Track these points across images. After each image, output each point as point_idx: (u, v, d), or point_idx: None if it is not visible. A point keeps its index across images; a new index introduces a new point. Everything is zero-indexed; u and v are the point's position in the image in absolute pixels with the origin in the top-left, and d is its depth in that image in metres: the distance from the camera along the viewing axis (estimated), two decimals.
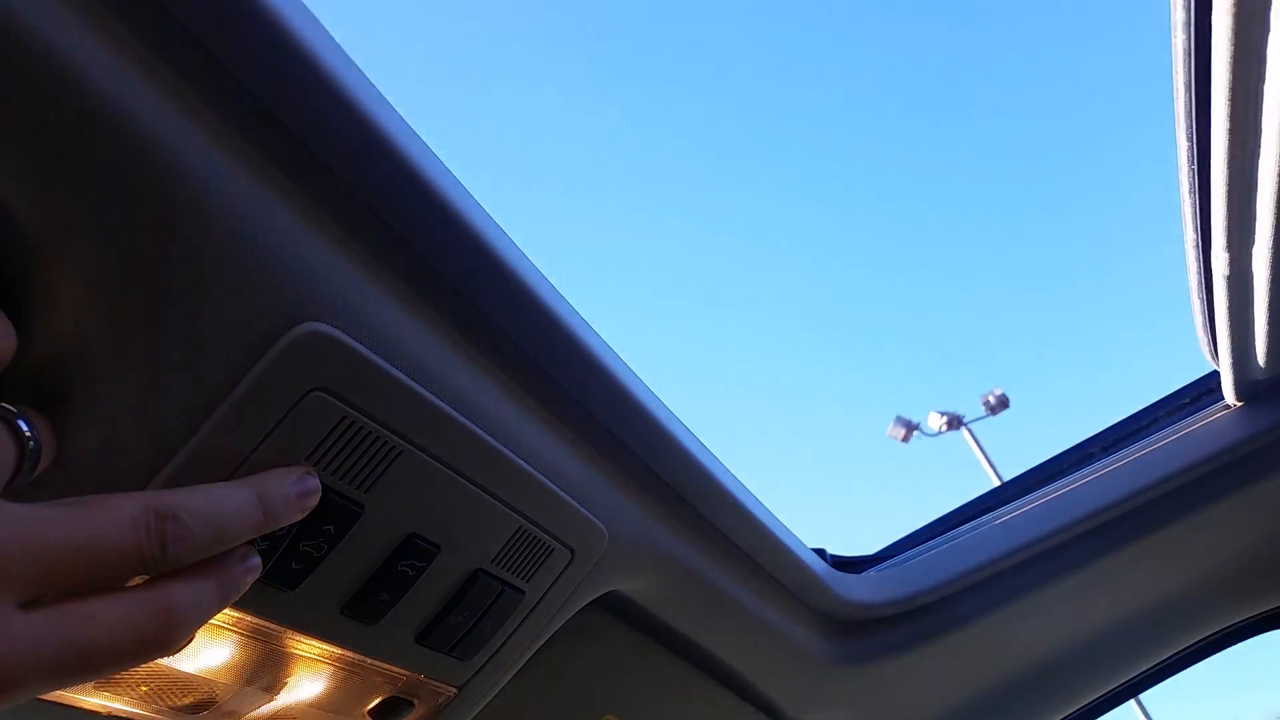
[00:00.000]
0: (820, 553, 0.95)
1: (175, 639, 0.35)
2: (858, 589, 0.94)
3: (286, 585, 0.46)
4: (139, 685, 0.47)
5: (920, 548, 1.00)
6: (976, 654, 1.04)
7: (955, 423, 13.70)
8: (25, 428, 0.34)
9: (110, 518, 0.32)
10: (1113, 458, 0.94)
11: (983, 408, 13.54)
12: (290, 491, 0.40)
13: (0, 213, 0.34)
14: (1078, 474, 0.94)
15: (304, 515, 0.41)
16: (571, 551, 0.59)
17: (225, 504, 0.36)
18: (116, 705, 0.48)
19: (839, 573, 0.93)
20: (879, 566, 1.00)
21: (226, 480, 0.40)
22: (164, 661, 0.46)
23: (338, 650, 0.52)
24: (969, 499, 1.06)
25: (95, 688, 0.46)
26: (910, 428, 14.02)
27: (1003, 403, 13.41)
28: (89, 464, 0.37)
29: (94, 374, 0.37)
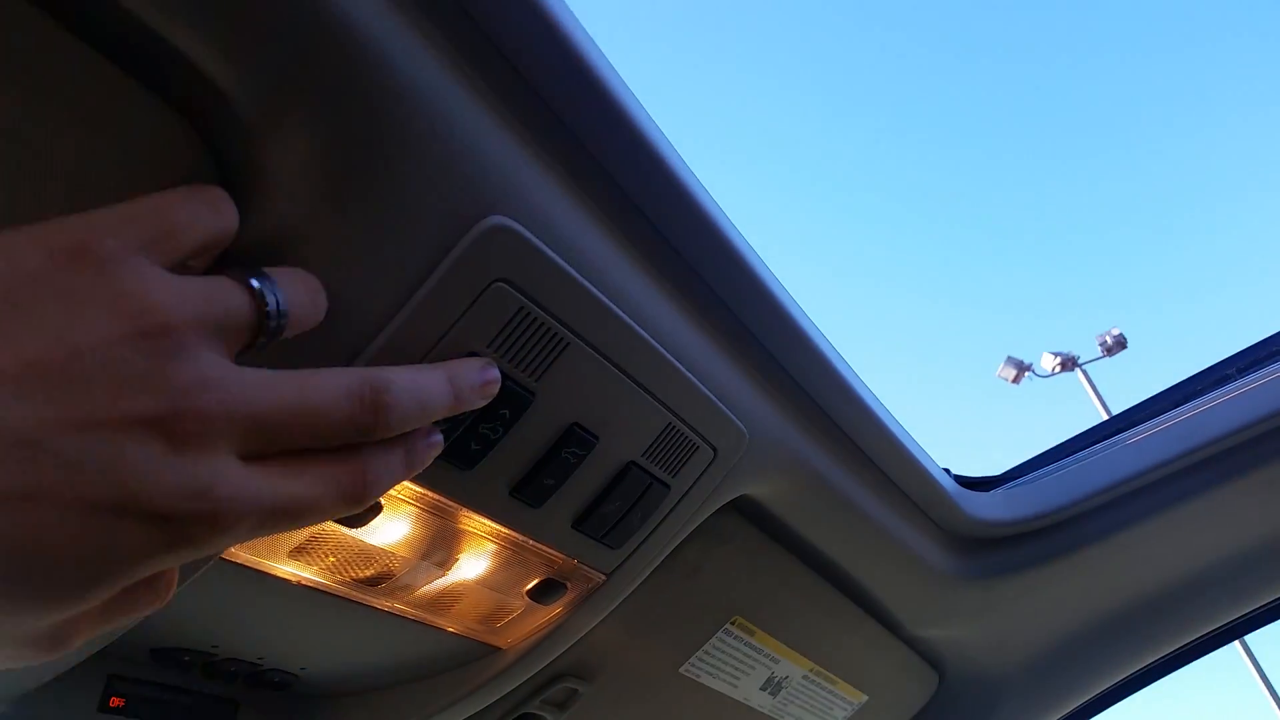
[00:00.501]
0: (945, 472, 0.95)
1: (366, 498, 0.38)
2: (985, 506, 0.94)
3: (465, 465, 0.49)
4: (327, 556, 0.52)
5: (1049, 467, 0.99)
6: (1100, 576, 1.03)
7: (1069, 364, 13.25)
8: (269, 294, 0.35)
9: (330, 388, 0.35)
10: (1250, 378, 0.90)
11: (1099, 349, 13.06)
12: (476, 379, 0.43)
13: (223, 102, 0.36)
14: (1213, 394, 0.91)
15: (485, 403, 0.44)
16: (714, 450, 0.61)
17: (426, 383, 0.39)
18: (306, 574, 0.52)
19: (966, 490, 0.93)
20: (1006, 486, 0.99)
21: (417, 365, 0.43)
22: (352, 533, 0.50)
23: (503, 530, 0.55)
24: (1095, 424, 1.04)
25: (289, 556, 0.51)
26: (1022, 368, 13.63)
27: (1120, 344, 12.91)
28: (295, 344, 0.40)
29: (305, 258, 0.39)
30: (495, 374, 0.44)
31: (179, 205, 0.34)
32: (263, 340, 0.35)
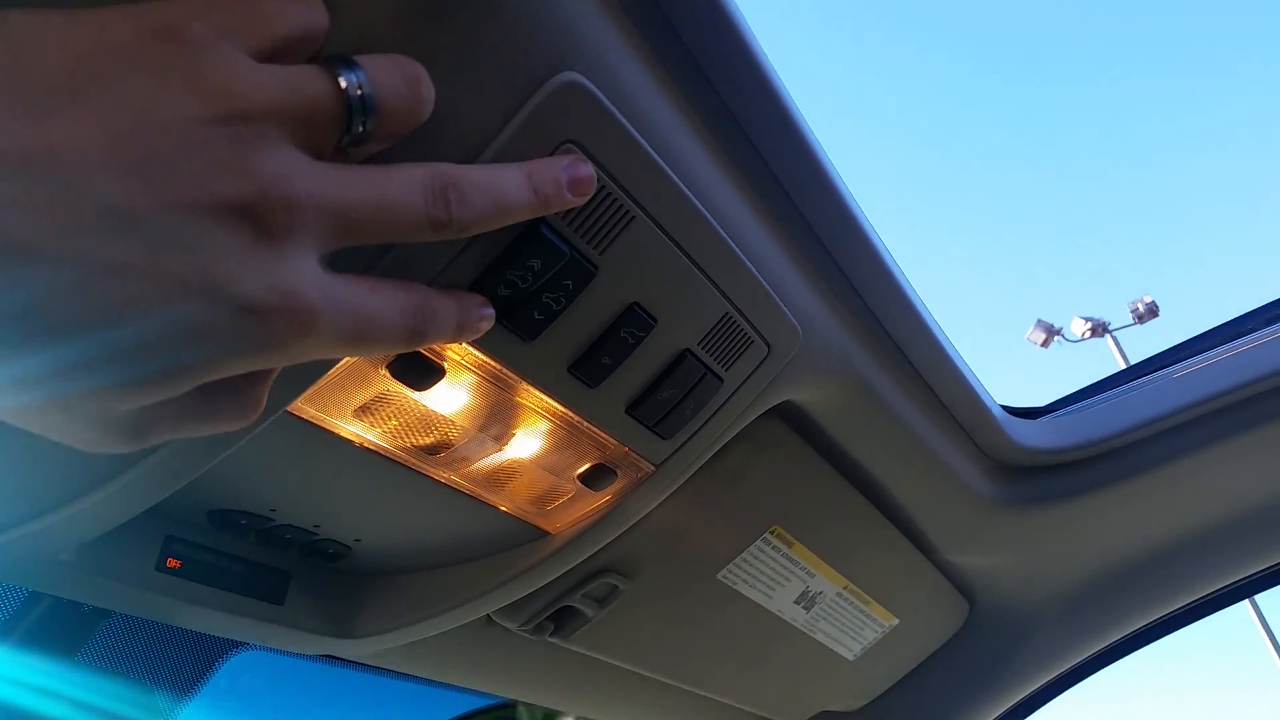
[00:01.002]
0: None
1: (423, 338, 0.38)
2: (1030, 433, 0.92)
3: (527, 335, 0.48)
4: (390, 419, 0.51)
5: (1096, 397, 0.97)
6: (1142, 511, 1.01)
7: (1100, 329, 13.07)
8: (353, 80, 0.33)
9: (403, 181, 0.34)
10: None
11: (1130, 315, 12.85)
12: (561, 174, 0.40)
13: None
14: (1267, 330, 0.89)
15: (578, 201, 0.41)
16: (768, 347, 0.60)
17: (501, 178, 0.38)
18: (369, 436, 0.52)
19: (1013, 416, 0.92)
20: (1052, 415, 0.97)
21: None
22: (416, 396, 0.50)
23: (559, 408, 0.54)
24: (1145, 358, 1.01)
25: (353, 416, 0.50)
26: (1052, 332, 13.45)
27: (1152, 311, 12.69)
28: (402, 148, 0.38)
29: None
30: (586, 170, 0.41)
31: None
32: (358, 130, 0.33)
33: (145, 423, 0.33)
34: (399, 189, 0.34)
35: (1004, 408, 0.95)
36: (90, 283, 0.27)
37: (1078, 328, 13.12)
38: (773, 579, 0.89)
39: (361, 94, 0.33)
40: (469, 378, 0.50)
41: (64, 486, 0.45)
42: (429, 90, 0.36)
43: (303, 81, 0.31)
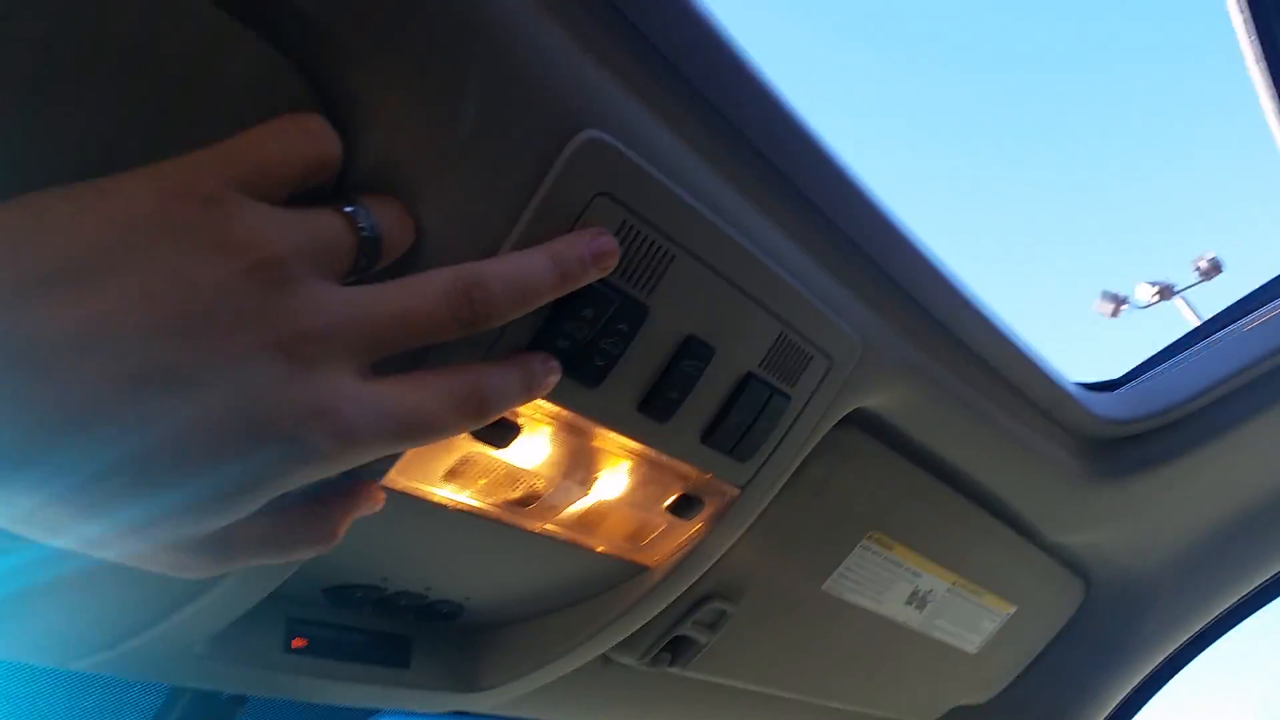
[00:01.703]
0: None
1: (485, 412, 0.39)
2: (1110, 406, 0.89)
3: (591, 382, 0.49)
4: (478, 478, 0.52)
5: (1170, 361, 0.93)
6: (1239, 466, 0.97)
7: (1166, 292, 12.48)
8: (362, 219, 0.36)
9: (425, 290, 0.36)
10: None
11: (1194, 274, 12.25)
12: (585, 250, 0.41)
13: (319, 32, 0.36)
14: None
15: (604, 273, 0.42)
16: (829, 359, 0.60)
17: (523, 267, 0.39)
18: (461, 497, 0.53)
19: (1089, 391, 0.89)
20: (1129, 385, 0.94)
21: None
22: (498, 454, 0.51)
23: (636, 446, 0.55)
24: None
25: (443, 480, 0.51)
26: (1118, 302, 12.87)
27: (1215, 267, 12.06)
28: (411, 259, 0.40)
29: (406, 190, 0.39)
30: (608, 242, 0.42)
31: (273, 138, 0.34)
32: (363, 262, 0.36)
33: (224, 546, 0.36)
34: (420, 300, 0.35)
35: (1080, 384, 0.92)
36: (147, 434, 0.29)
37: (1144, 293, 12.54)
38: (880, 584, 0.88)
39: (370, 228, 0.36)
40: (545, 429, 0.51)
41: (189, 582, 0.47)
42: (411, 223, 0.38)
43: (319, 221, 0.34)
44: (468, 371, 0.39)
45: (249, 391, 0.31)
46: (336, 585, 0.58)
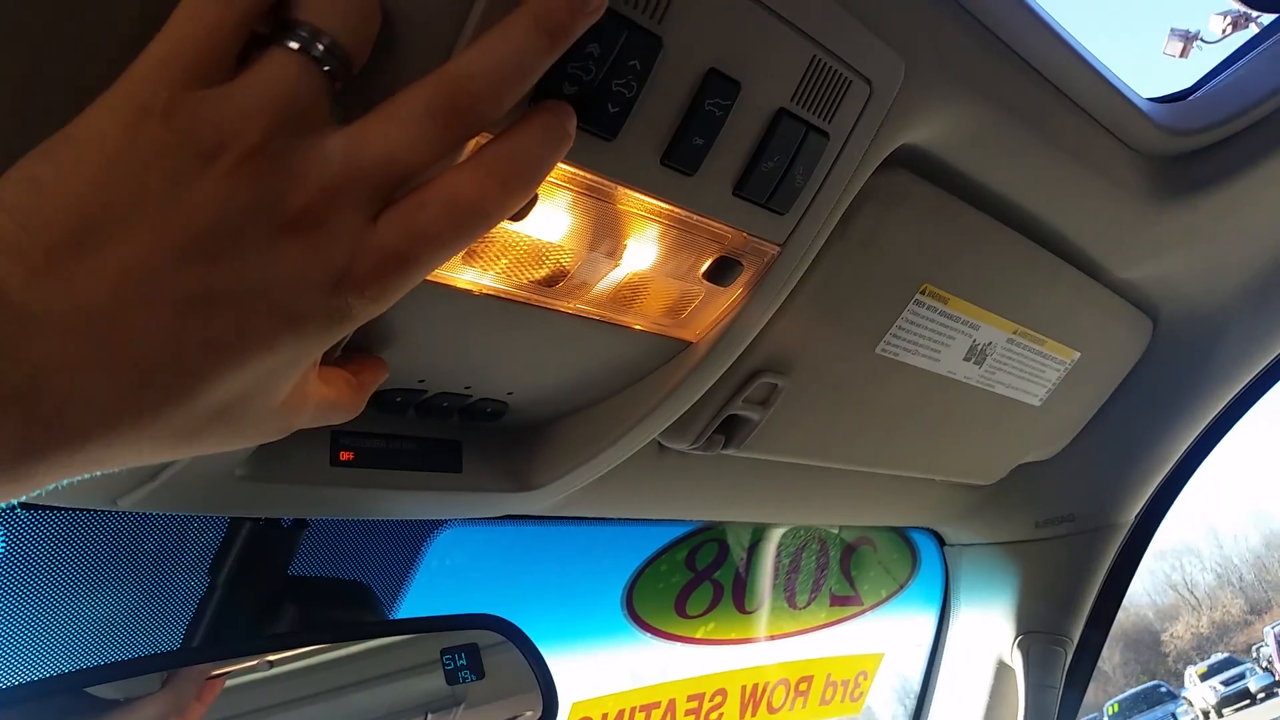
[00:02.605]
0: None
1: (506, 204, 0.36)
2: (1179, 117, 0.83)
3: (608, 133, 0.45)
4: (499, 258, 0.50)
5: (1239, 63, 0.86)
6: None
7: (1241, 21, 11.82)
8: (313, 48, 0.33)
9: (405, 117, 0.34)
10: None
11: None
12: None
13: None
14: None
15: (596, 16, 0.36)
16: (869, 84, 0.55)
17: (503, 46, 0.35)
18: (484, 281, 0.51)
19: (1154, 102, 0.83)
20: (1198, 92, 0.87)
21: None
22: (515, 228, 0.48)
23: (663, 206, 0.52)
24: None
25: (464, 263, 0.49)
26: (1189, 39, 12.27)
27: None
28: (376, 77, 0.36)
29: None
30: None
31: (191, 16, 0.32)
32: (338, 85, 0.34)
33: (288, 421, 0.40)
34: (403, 131, 0.34)
35: (1146, 98, 0.86)
36: (205, 358, 0.32)
37: (1216, 25, 11.90)
38: (935, 340, 0.85)
39: (325, 49, 0.33)
40: (564, 196, 0.48)
41: None
42: (374, 9, 0.35)
43: (273, 75, 0.32)
44: (472, 163, 0.36)
45: (280, 286, 0.33)
46: (375, 392, 0.57)
